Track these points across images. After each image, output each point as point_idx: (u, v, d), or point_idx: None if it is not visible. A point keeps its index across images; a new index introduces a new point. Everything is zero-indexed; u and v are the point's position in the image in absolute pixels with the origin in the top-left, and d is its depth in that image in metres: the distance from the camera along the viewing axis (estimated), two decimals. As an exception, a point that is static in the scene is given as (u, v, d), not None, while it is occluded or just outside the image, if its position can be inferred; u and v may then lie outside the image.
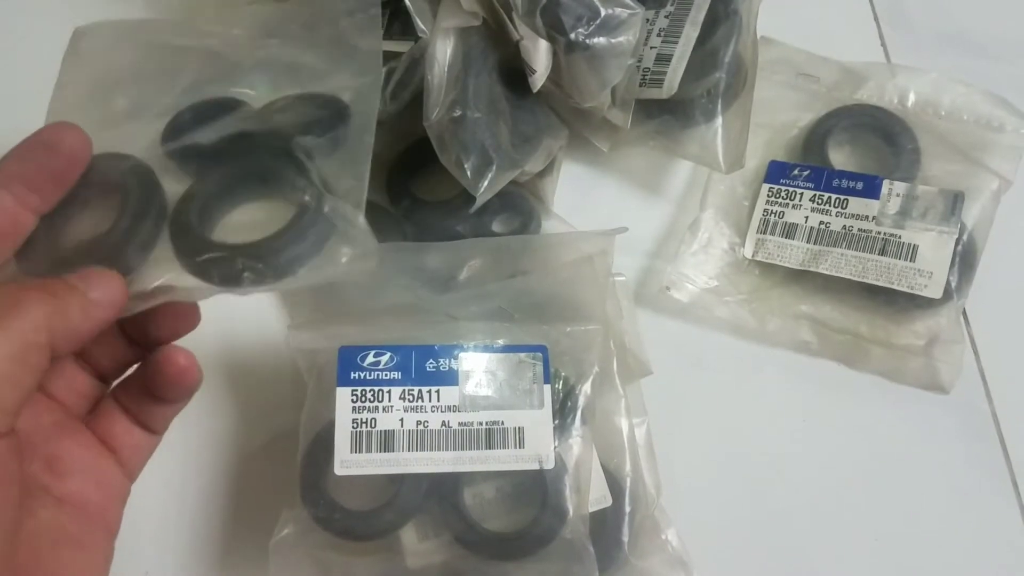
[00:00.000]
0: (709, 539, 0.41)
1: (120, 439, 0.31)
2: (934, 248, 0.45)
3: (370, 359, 0.37)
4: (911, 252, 0.45)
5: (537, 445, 0.37)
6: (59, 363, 0.30)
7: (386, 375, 0.37)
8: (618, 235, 0.40)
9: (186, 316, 0.31)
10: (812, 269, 0.46)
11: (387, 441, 0.36)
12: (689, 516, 0.41)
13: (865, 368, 0.45)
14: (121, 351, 0.31)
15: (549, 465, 0.37)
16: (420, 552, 0.37)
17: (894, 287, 0.45)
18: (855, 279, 0.45)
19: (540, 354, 0.38)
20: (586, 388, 0.39)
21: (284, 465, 0.38)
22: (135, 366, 0.32)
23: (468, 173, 0.40)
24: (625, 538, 0.39)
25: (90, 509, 0.29)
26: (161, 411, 0.32)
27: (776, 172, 0.49)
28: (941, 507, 0.42)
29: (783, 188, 0.48)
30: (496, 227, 0.48)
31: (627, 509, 0.39)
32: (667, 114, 0.47)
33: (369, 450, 0.36)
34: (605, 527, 0.38)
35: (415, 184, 0.49)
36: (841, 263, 0.46)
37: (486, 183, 0.41)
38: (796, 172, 0.49)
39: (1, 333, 0.24)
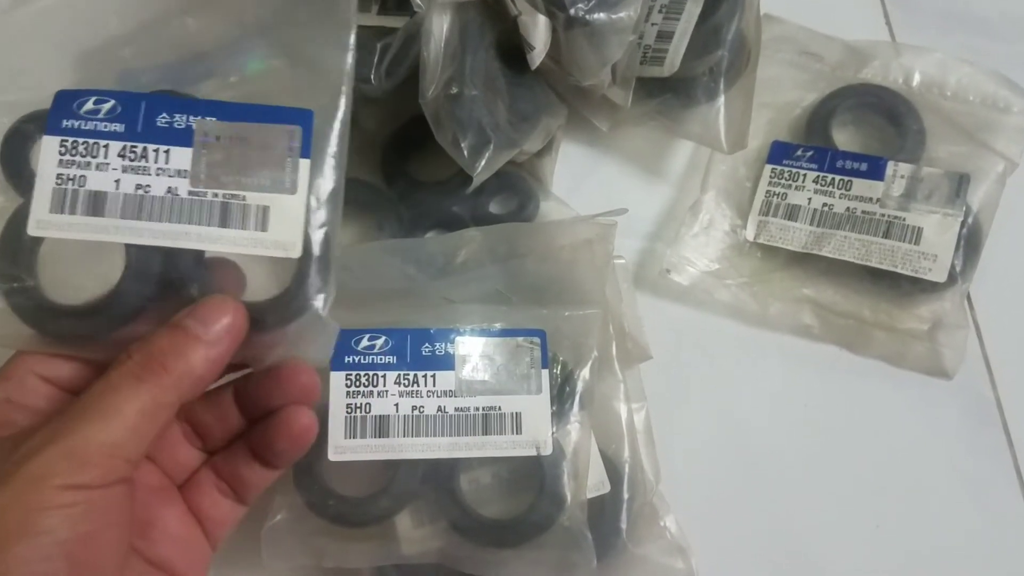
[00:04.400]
0: (708, 525, 0.40)
1: (207, 511, 0.31)
2: (939, 231, 0.44)
3: (364, 343, 0.37)
4: (915, 235, 0.45)
5: (535, 431, 0.36)
6: (166, 430, 0.30)
7: (381, 359, 0.36)
8: (617, 217, 0.39)
9: (310, 387, 0.31)
10: (815, 252, 0.45)
11: (382, 426, 0.35)
12: (688, 502, 0.40)
13: (868, 353, 0.45)
14: (233, 421, 0.32)
15: (547, 451, 0.36)
16: (415, 539, 0.37)
17: (898, 271, 0.44)
18: (858, 262, 0.45)
19: (538, 338, 0.38)
20: (585, 373, 0.38)
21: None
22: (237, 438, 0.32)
23: (465, 152, 0.39)
24: (624, 525, 0.38)
25: (176, 575, 0.30)
26: (259, 479, 0.32)
27: (779, 153, 0.48)
28: (944, 494, 0.42)
29: (786, 169, 0.48)
30: (493, 208, 0.48)
31: (625, 496, 0.38)
32: (668, 93, 0.46)
33: (364, 435, 0.35)
34: (603, 514, 0.38)
35: (410, 164, 0.48)
36: (844, 246, 0.45)
37: (483, 162, 0.40)
38: (799, 153, 0.48)
39: (134, 397, 0.26)
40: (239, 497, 0.32)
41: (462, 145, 0.40)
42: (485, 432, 0.36)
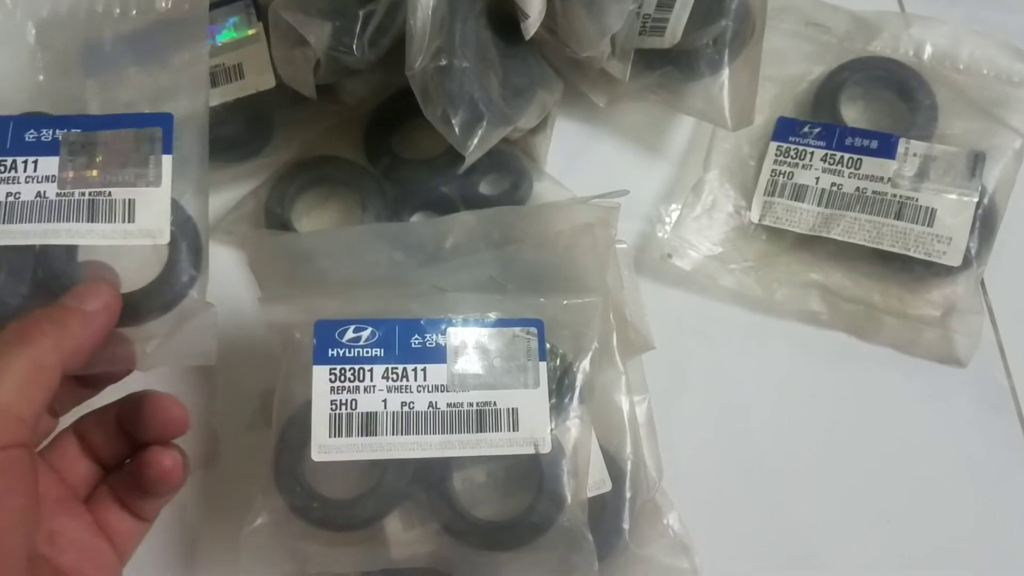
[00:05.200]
0: (712, 522, 0.38)
1: (113, 525, 0.32)
2: (953, 212, 0.42)
3: (349, 335, 0.34)
4: (929, 216, 0.43)
5: (532, 428, 0.34)
6: (64, 444, 0.32)
7: (367, 352, 0.34)
8: (619, 199, 0.37)
9: (174, 423, 0.32)
10: (823, 234, 0.43)
11: (369, 424, 0.33)
12: (691, 498, 0.39)
13: (877, 340, 0.43)
14: (118, 444, 0.32)
15: (545, 449, 0.34)
16: (406, 542, 0.34)
17: (910, 254, 0.42)
18: (869, 245, 0.43)
19: (535, 329, 0.35)
20: (585, 365, 0.36)
21: (258, 449, 0.35)
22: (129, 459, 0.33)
23: (456, 129, 0.37)
24: (626, 525, 0.36)
25: None
26: (150, 503, 0.33)
27: (785, 129, 0.46)
28: (957, 485, 0.40)
29: (792, 147, 0.45)
30: (484, 188, 0.45)
31: (628, 494, 0.37)
32: (669, 65, 0.44)
33: (349, 434, 0.33)
34: (604, 513, 0.36)
35: (396, 140, 0.45)
36: (854, 228, 0.43)
37: (476, 140, 0.37)
38: (806, 129, 0.45)
39: (16, 358, 0.27)
40: (139, 516, 0.32)
41: (452, 121, 0.37)
42: (480, 429, 0.34)
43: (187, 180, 0.33)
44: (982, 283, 0.44)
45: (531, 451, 0.34)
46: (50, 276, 0.32)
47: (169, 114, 0.33)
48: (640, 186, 0.45)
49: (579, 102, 0.46)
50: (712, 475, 0.40)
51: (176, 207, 0.33)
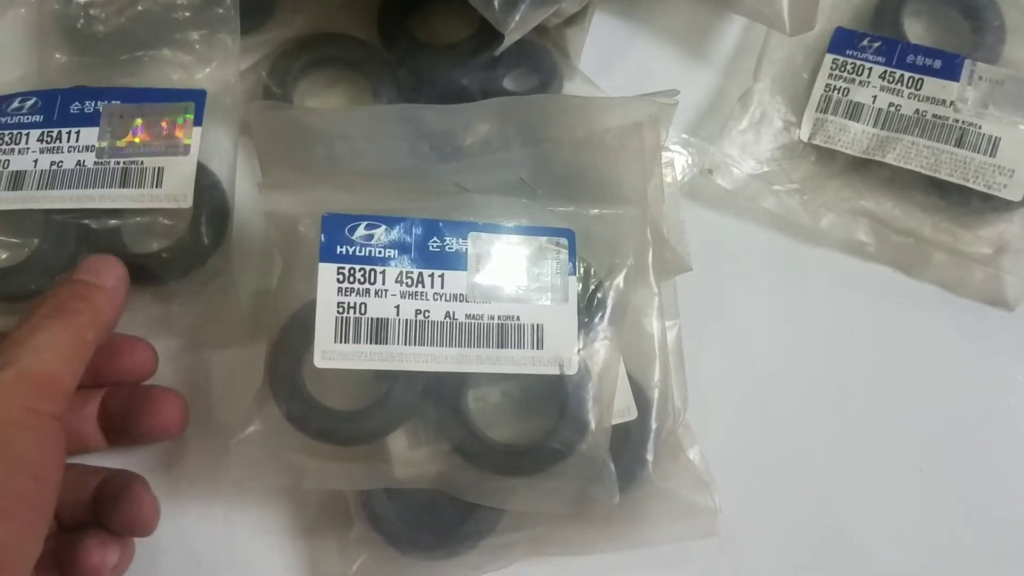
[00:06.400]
0: (735, 460, 0.36)
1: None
2: (1018, 143, 0.39)
3: (361, 231, 0.30)
4: (992, 145, 0.39)
5: (558, 346, 0.31)
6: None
7: (380, 252, 0.30)
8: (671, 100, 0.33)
9: (174, 423, 0.33)
10: (877, 158, 0.40)
11: (379, 331, 0.30)
12: (715, 433, 0.36)
13: (924, 276, 0.40)
14: (93, 439, 0.33)
15: (571, 370, 0.31)
16: (412, 461, 0.32)
17: (969, 185, 0.39)
18: (925, 173, 0.39)
19: (566, 239, 0.32)
20: (618, 282, 0.33)
21: (254, 353, 0.32)
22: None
23: (496, 4, 0.32)
24: (650, 456, 0.33)
25: None
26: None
27: (842, 41, 0.42)
28: (995, 435, 0.38)
29: (849, 61, 0.41)
30: (509, 84, 0.41)
31: (654, 424, 0.34)
32: (724, -43, 0.39)
33: (357, 340, 0.30)
34: (628, 443, 0.33)
35: (414, 21, 0.40)
36: (911, 153, 0.39)
37: (517, 18, 0.33)
38: (865, 43, 0.41)
39: (61, 331, 0.28)
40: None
41: (491, -6, 0.32)
42: (500, 345, 0.31)
43: (217, 148, 0.36)
44: (1041, 222, 0.41)
45: (556, 372, 0.31)
46: (89, 239, 0.34)
47: (203, 91, 0.36)
48: (682, 94, 0.41)
49: (618, -6, 0.41)
50: (736, 410, 0.38)
51: (204, 172, 0.35)
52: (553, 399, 0.31)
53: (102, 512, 0.31)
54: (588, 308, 0.32)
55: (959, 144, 0.39)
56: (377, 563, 0.32)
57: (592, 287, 0.32)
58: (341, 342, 0.30)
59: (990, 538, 0.36)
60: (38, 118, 0.35)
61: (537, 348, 0.31)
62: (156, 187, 0.34)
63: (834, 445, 0.37)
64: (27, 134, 0.35)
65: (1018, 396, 0.38)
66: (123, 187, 0.34)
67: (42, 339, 0.27)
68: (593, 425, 0.31)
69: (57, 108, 0.35)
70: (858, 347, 0.39)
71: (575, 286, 0.32)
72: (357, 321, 0.30)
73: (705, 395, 0.36)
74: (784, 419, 0.38)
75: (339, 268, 0.30)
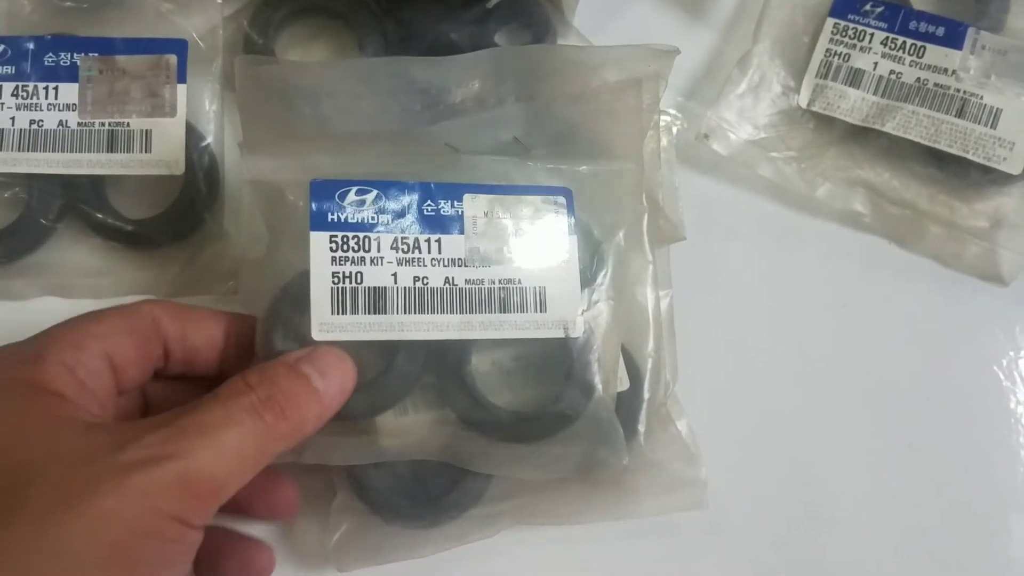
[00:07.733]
0: (723, 434, 0.35)
1: None
2: (1019, 115, 0.38)
3: (351, 197, 0.29)
4: (993, 117, 0.38)
5: (561, 309, 0.30)
6: None
7: (373, 218, 0.29)
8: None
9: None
10: (876, 127, 0.39)
11: (378, 300, 0.29)
12: (703, 405, 0.35)
13: (919, 249, 0.39)
14: None
15: (576, 333, 0.30)
16: (398, 431, 0.31)
17: (968, 156, 0.38)
18: (924, 143, 0.38)
19: (564, 199, 0.31)
20: (619, 240, 0.32)
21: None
22: None
23: (491, -47, 0.30)
24: (642, 427, 0.33)
25: None
26: None
27: (844, 5, 0.40)
28: (986, 412, 0.38)
29: (851, 25, 0.40)
30: (499, 39, 0.39)
31: (645, 396, 0.33)
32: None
33: (355, 311, 0.29)
34: (619, 413, 0.32)
35: (404, -29, 0.38)
36: (911, 123, 0.39)
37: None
38: (868, 8, 0.40)
39: (254, 433, 0.24)
40: None
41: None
42: (503, 310, 0.30)
43: (202, 104, 0.35)
44: (1038, 196, 0.40)
45: (560, 335, 0.30)
46: (76, 202, 0.33)
47: (183, 40, 0.34)
48: (678, 55, 0.40)
49: (617, -53, 0.40)
50: (726, 382, 0.37)
51: (192, 132, 0.34)
52: (558, 363, 0.31)
53: (244, 499, 0.28)
54: (589, 268, 0.31)
55: (960, 114, 0.39)
56: (360, 532, 0.32)
57: (593, 247, 0.31)
58: (339, 313, 0.28)
59: (979, 513, 0.36)
60: (10, 69, 0.33)
61: (540, 311, 0.30)
62: (145, 152, 0.33)
63: (823, 417, 0.37)
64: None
65: (1008, 372, 0.38)
66: (111, 152, 0.33)
67: (231, 439, 0.23)
68: (600, 388, 0.31)
69: (30, 59, 0.33)
70: (850, 319, 0.38)
71: (576, 246, 0.31)
72: (354, 291, 0.29)
73: (694, 366, 0.36)
74: (773, 391, 0.37)
75: (331, 236, 0.29)
